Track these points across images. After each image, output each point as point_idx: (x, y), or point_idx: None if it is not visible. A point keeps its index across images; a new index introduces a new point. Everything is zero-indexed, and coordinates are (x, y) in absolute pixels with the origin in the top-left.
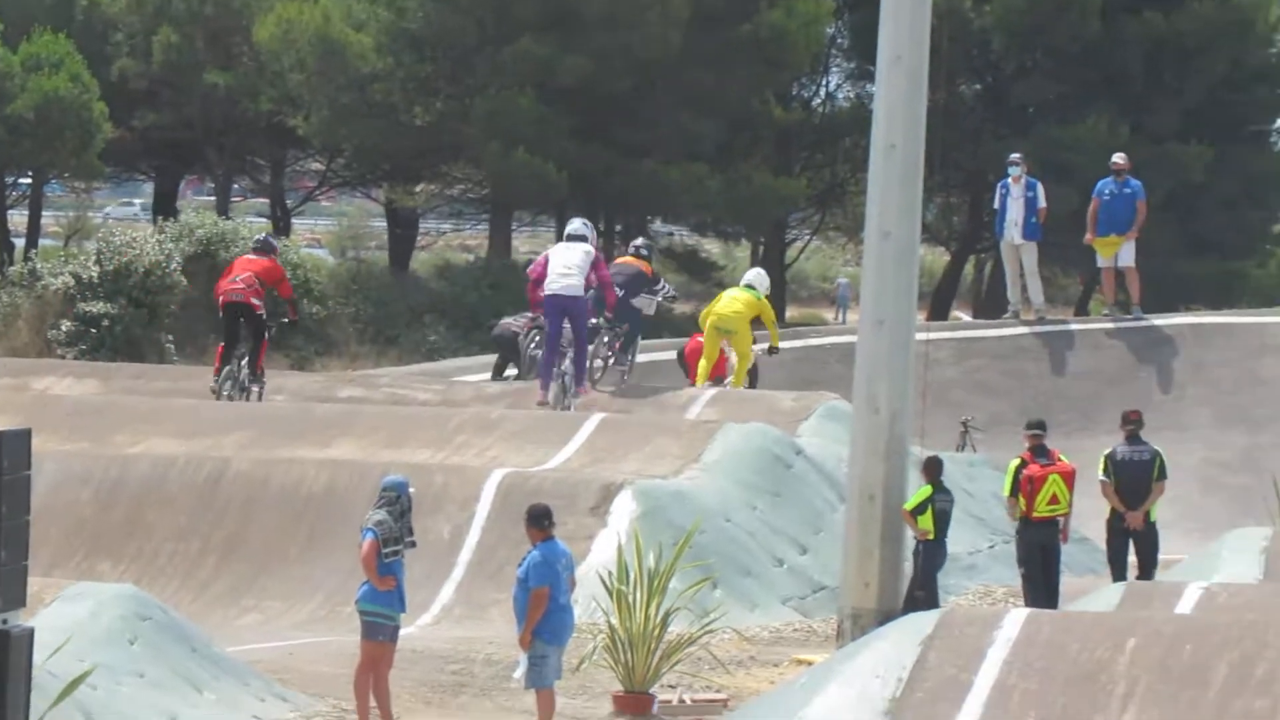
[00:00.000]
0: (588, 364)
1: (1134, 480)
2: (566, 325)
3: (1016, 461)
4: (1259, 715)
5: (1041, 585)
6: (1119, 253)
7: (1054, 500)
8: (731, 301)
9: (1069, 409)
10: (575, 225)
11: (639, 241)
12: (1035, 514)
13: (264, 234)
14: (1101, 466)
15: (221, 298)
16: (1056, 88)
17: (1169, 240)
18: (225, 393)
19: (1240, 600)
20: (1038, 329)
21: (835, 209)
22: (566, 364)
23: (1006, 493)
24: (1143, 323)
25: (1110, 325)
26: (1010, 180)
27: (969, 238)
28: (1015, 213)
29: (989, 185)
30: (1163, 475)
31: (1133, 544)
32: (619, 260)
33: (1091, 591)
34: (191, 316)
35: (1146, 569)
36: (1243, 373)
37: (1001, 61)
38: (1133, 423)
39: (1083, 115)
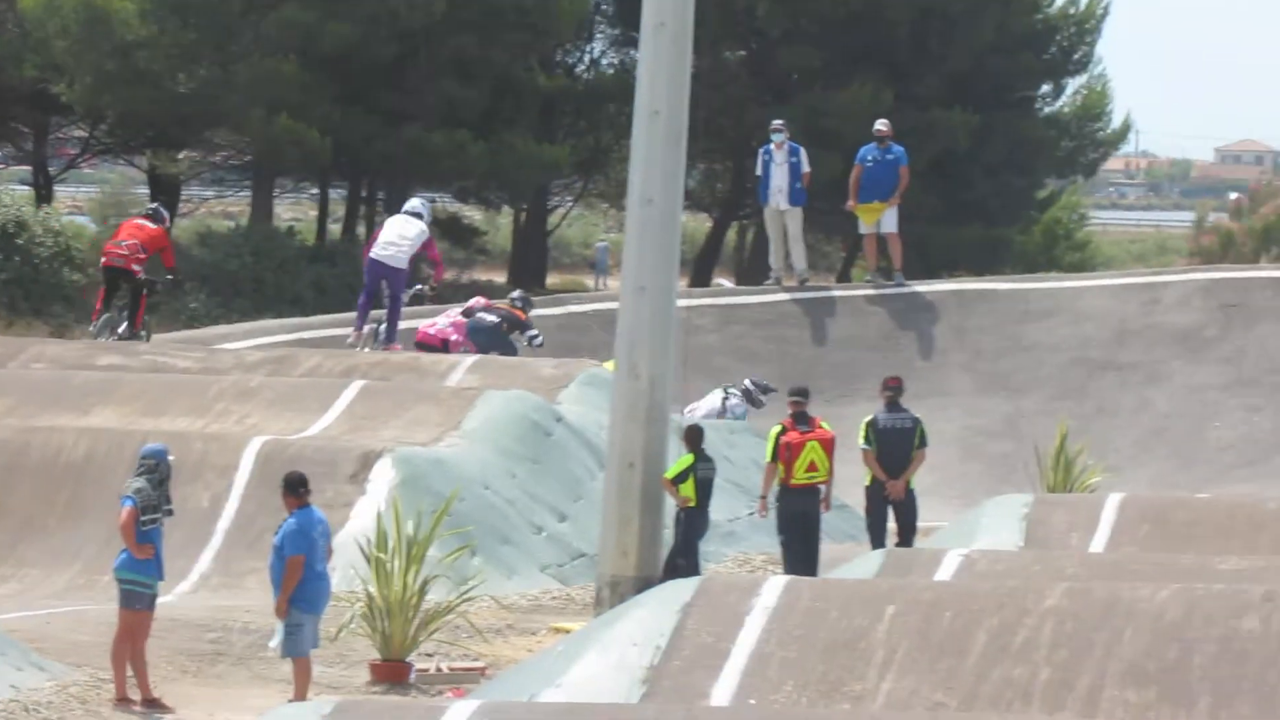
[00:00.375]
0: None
1: (895, 448)
2: None
3: (777, 428)
4: (1018, 683)
5: (800, 553)
6: (882, 219)
7: (812, 467)
8: None
9: (830, 376)
10: (413, 203)
11: (516, 294)
12: (793, 481)
13: (156, 204)
14: (862, 434)
15: (104, 258)
16: (820, 54)
17: (933, 207)
18: (103, 337)
19: (1000, 567)
20: (800, 295)
21: (598, 176)
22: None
23: (768, 459)
24: (905, 289)
25: (872, 292)
26: (773, 146)
27: (731, 204)
28: (780, 179)
29: (752, 152)
30: (923, 443)
31: (893, 511)
32: (498, 304)
33: (851, 559)
34: None
35: (906, 536)
36: (1005, 339)
37: (765, 27)
38: (893, 389)
39: (847, 82)
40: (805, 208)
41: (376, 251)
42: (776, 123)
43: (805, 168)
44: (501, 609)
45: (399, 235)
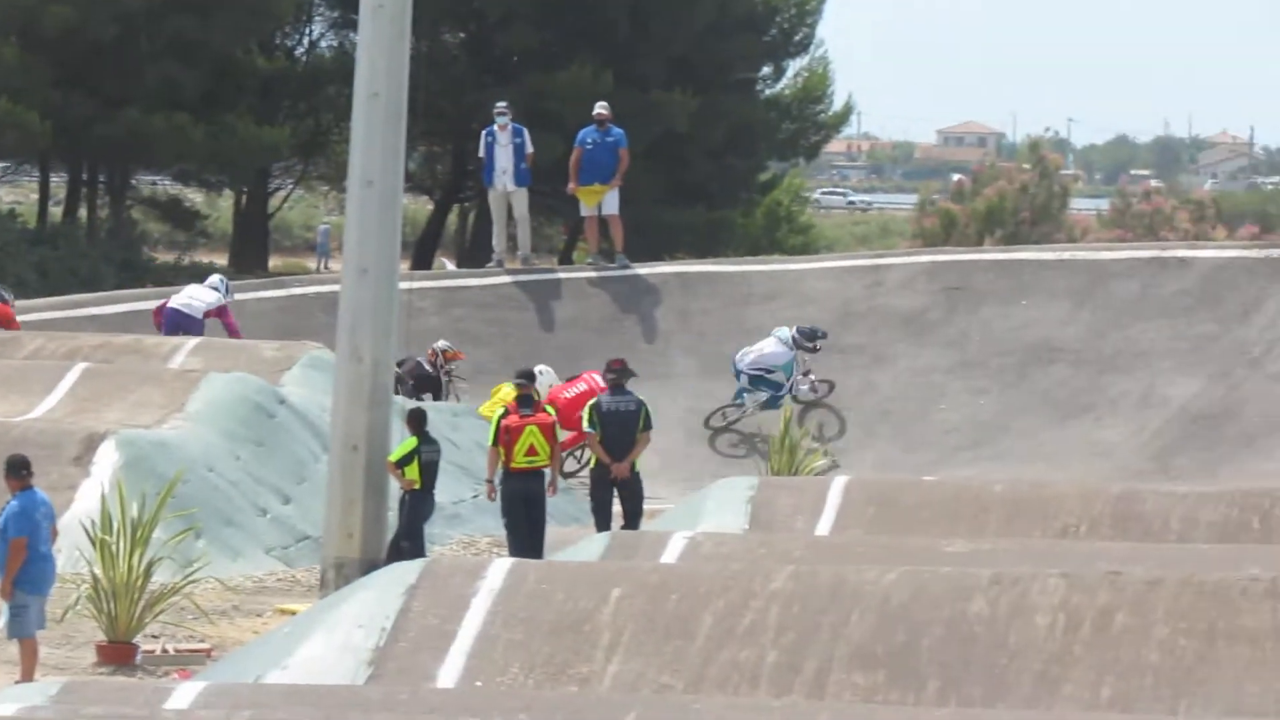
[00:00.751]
0: None
1: (619, 431)
2: None
3: (500, 411)
4: (745, 666)
5: (525, 535)
6: (603, 201)
7: (532, 451)
8: None
9: (554, 359)
10: (212, 279)
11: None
12: (514, 464)
13: None
14: (586, 417)
15: None
16: (540, 35)
17: (654, 189)
18: None
19: (725, 550)
20: (522, 278)
21: (319, 158)
22: None
23: (490, 443)
24: (628, 271)
25: (595, 274)
26: (497, 128)
27: (452, 186)
28: (504, 160)
29: (473, 134)
30: (648, 425)
31: (618, 494)
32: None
33: (576, 541)
34: None
35: (632, 519)
36: (727, 321)
37: (485, 9)
38: (616, 372)
39: (566, 64)
40: (530, 188)
41: (175, 302)
42: (500, 104)
43: (529, 148)
44: (227, 591)
45: (195, 295)
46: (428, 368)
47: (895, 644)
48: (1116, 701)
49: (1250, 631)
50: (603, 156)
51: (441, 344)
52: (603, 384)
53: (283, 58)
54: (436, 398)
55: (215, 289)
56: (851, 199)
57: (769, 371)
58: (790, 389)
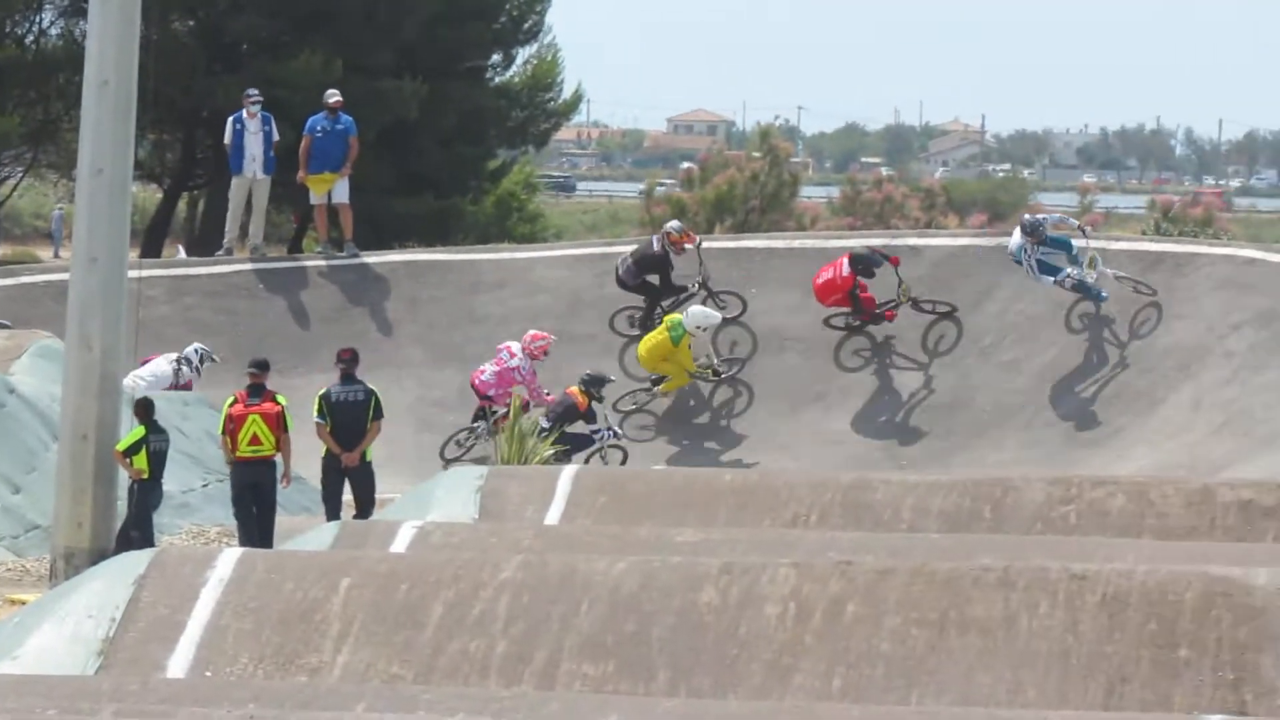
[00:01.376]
0: None
1: (349, 420)
2: None
3: (230, 400)
4: (475, 656)
5: (254, 524)
6: (333, 190)
7: (255, 441)
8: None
9: (284, 348)
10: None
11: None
12: (239, 454)
13: None
14: (316, 407)
15: None
16: (270, 24)
17: (384, 177)
18: None
19: (455, 539)
20: (253, 266)
21: (49, 146)
22: None
23: (219, 431)
24: (357, 260)
25: (325, 263)
26: (246, 115)
27: (182, 174)
28: (254, 148)
29: (202, 121)
30: (378, 415)
31: (349, 483)
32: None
33: (306, 531)
34: None
35: (363, 508)
36: (457, 310)
37: None
38: (345, 361)
39: (296, 51)
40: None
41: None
42: (251, 91)
43: (276, 136)
44: None
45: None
46: (656, 247)
47: (625, 634)
48: (848, 691)
49: (981, 621)
50: (333, 145)
51: (674, 225)
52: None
53: (12, 46)
54: (663, 280)
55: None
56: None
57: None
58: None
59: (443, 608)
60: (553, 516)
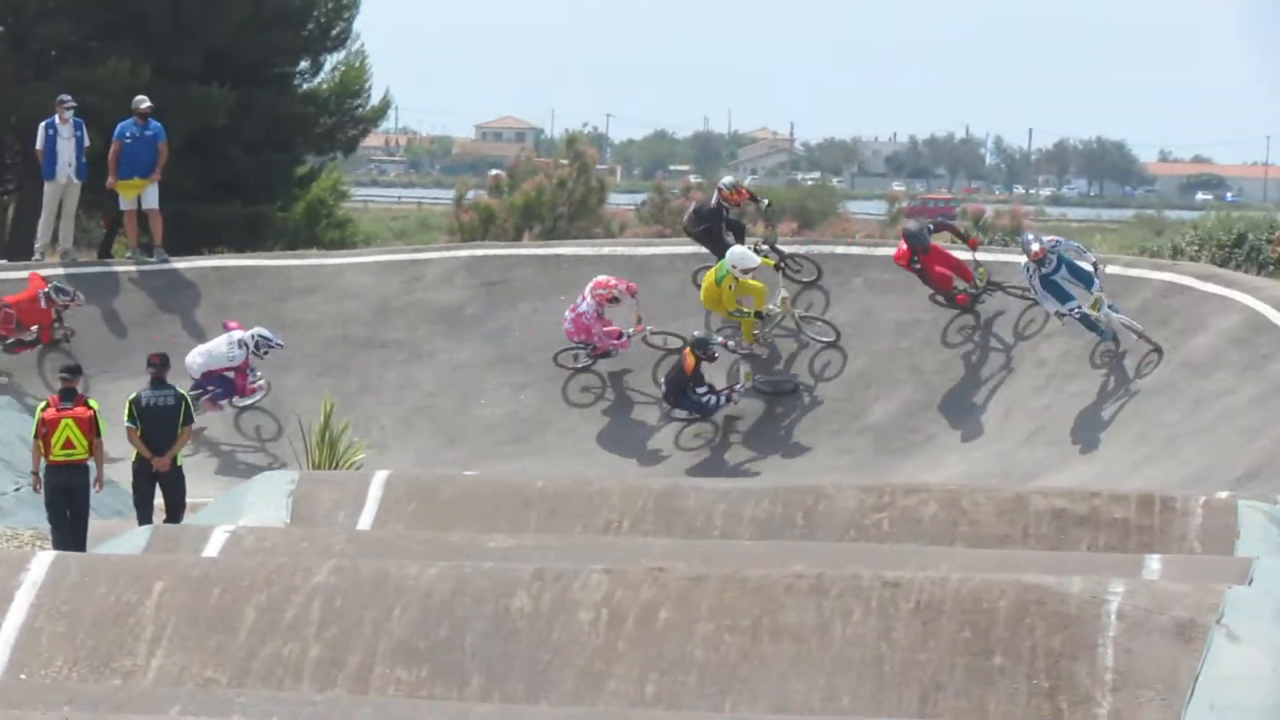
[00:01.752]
0: None
1: (160, 425)
2: None
3: (43, 404)
4: (289, 660)
5: (67, 528)
6: (142, 195)
7: (69, 444)
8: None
9: (95, 353)
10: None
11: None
12: (52, 457)
13: None
14: (126, 412)
15: None
16: (79, 29)
17: (193, 183)
18: None
19: (268, 544)
20: (64, 270)
21: None
22: None
23: (33, 435)
24: (167, 265)
25: (135, 268)
26: (59, 121)
27: None
28: (68, 153)
29: (10, 127)
30: (189, 419)
31: (160, 487)
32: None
33: (119, 534)
34: None
35: (174, 512)
36: (267, 315)
37: (23, 3)
38: (156, 366)
39: (105, 57)
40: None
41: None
42: (64, 97)
43: (86, 141)
44: None
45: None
46: (711, 202)
47: (438, 639)
48: (661, 698)
49: (794, 628)
50: (142, 150)
51: (726, 181)
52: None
53: None
54: (713, 230)
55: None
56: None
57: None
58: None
59: (256, 612)
60: (365, 521)
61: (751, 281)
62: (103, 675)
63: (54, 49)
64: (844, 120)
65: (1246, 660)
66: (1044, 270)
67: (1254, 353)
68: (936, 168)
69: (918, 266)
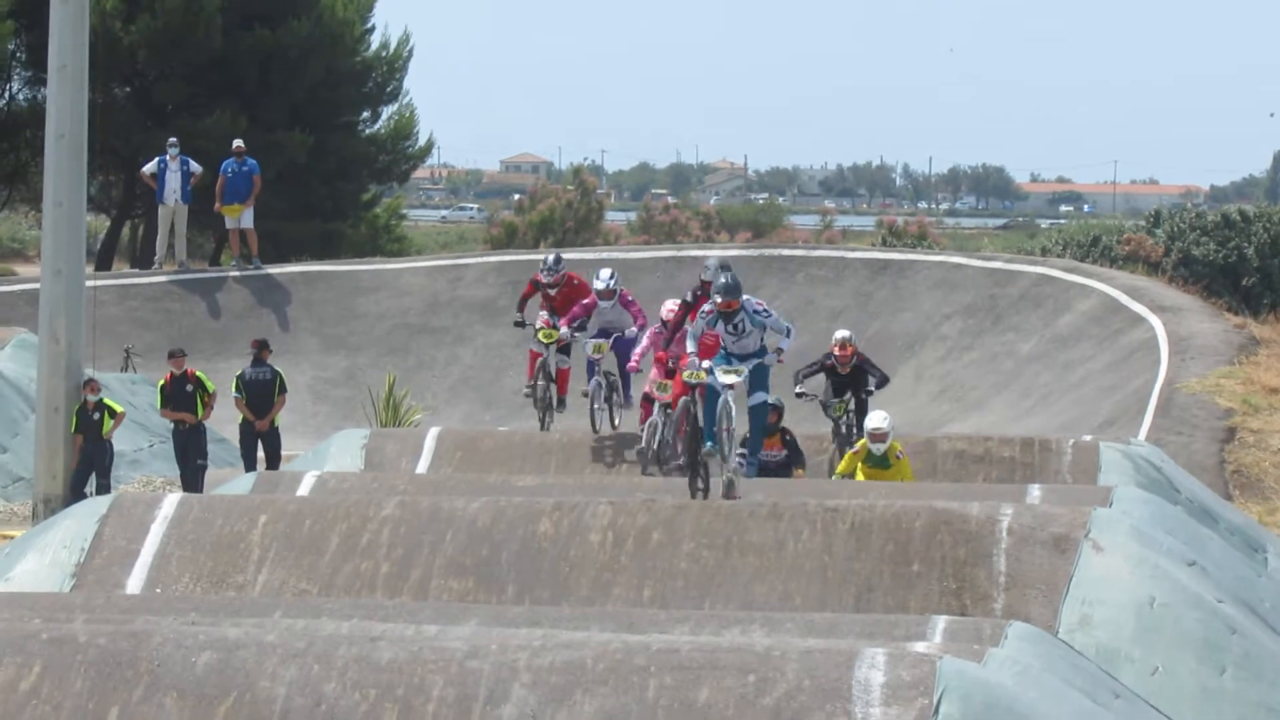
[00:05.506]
0: None
1: (260, 395)
2: None
3: (161, 381)
4: (364, 574)
5: (191, 475)
6: (241, 217)
7: (185, 410)
8: None
9: (209, 339)
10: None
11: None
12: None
13: None
14: (234, 385)
15: None
16: (189, 89)
17: (281, 207)
18: None
19: (346, 485)
20: (182, 277)
21: (20, 185)
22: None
23: (159, 405)
24: (262, 271)
25: (237, 273)
26: (169, 158)
27: (125, 206)
28: (174, 183)
29: (138, 165)
30: (283, 390)
31: (261, 443)
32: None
33: (230, 480)
34: None
35: (273, 462)
36: (343, 310)
37: (145, 69)
38: (256, 348)
39: (211, 110)
40: (191, 206)
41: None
42: (172, 140)
43: (195, 172)
44: None
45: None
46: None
47: (481, 557)
48: (655, 600)
49: (757, 545)
50: (240, 182)
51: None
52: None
53: None
54: None
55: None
56: (445, 213)
57: None
58: None
59: (338, 538)
60: (422, 467)
61: None
62: (220, 589)
63: (170, 104)
64: (786, 152)
65: (1109, 565)
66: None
67: (1109, 328)
68: (859, 188)
69: None
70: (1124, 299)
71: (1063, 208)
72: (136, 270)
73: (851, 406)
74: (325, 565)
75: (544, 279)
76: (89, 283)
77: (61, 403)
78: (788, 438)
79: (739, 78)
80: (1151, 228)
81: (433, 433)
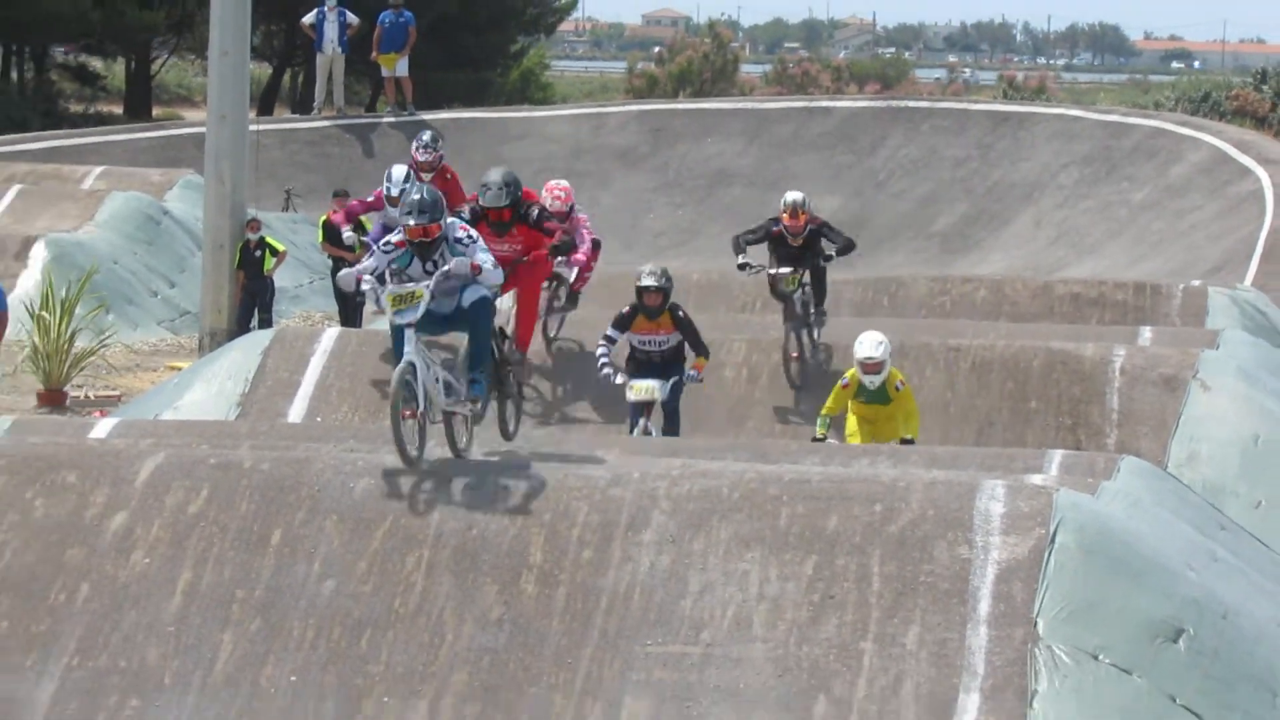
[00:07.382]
0: None
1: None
2: None
3: (323, 217)
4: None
5: (349, 311)
6: (397, 66)
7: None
8: None
9: (362, 181)
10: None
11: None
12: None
13: None
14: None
15: None
16: None
17: (434, 56)
18: None
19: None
20: (339, 122)
21: (187, 34)
22: None
23: (320, 240)
24: (416, 117)
25: (392, 119)
26: (327, 9)
27: (286, 55)
28: (332, 33)
29: (300, 16)
30: None
31: None
32: None
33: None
34: None
35: None
36: (491, 155)
37: None
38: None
39: None
40: (348, 55)
41: None
42: None
43: (352, 23)
44: (131, 353)
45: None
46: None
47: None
48: (785, 433)
49: None
50: (396, 33)
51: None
52: None
53: None
54: None
55: None
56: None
57: None
58: None
59: None
60: None
61: None
62: (376, 419)
63: None
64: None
65: (1214, 404)
66: None
67: (1218, 179)
68: (981, 45)
69: None
70: (1233, 151)
71: (1174, 64)
72: (297, 115)
73: (806, 279)
74: None
75: (420, 157)
76: (252, 127)
77: (226, 240)
78: (680, 315)
79: None
80: (1259, 84)
81: None
